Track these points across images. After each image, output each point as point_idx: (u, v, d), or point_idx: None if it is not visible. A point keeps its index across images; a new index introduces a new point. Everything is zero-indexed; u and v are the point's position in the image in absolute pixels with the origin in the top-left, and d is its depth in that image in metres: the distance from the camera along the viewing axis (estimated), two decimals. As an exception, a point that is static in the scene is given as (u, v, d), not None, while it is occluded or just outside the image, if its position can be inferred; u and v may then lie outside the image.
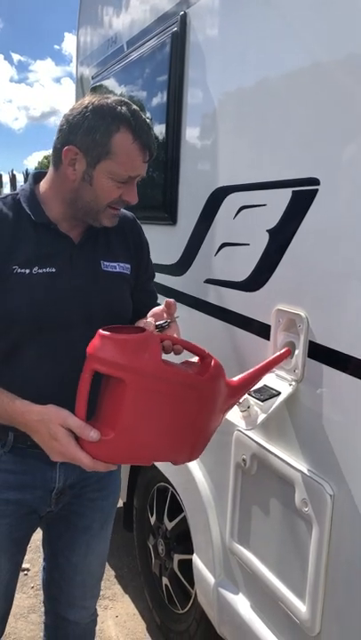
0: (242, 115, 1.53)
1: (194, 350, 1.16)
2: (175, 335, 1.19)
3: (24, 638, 2.21)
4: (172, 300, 1.22)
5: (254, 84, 1.47)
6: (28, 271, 1.22)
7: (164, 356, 1.11)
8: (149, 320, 1.20)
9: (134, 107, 1.21)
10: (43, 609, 1.65)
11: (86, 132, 1.19)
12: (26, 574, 2.60)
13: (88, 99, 1.22)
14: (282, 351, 1.31)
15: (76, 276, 1.27)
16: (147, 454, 1.12)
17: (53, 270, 1.24)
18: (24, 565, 2.58)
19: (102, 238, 1.35)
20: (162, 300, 1.52)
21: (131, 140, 1.18)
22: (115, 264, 1.35)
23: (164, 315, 1.23)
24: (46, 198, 1.29)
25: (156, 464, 2.05)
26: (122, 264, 1.37)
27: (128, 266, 1.38)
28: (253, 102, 1.47)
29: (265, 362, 1.29)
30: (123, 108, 1.19)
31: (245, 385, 1.24)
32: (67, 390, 1.11)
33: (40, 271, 1.23)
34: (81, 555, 1.48)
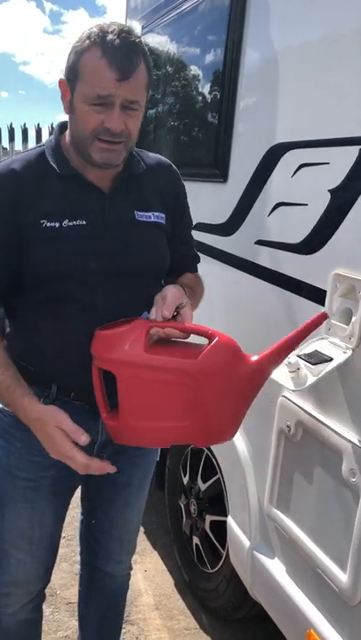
0: (306, 68, 1.44)
1: (194, 331, 1.15)
2: (185, 321, 1.18)
3: (56, 585, 2.27)
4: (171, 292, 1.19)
5: (321, 36, 1.39)
6: (57, 224, 1.19)
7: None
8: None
9: (117, 27, 1.11)
10: (76, 558, 1.68)
11: (67, 60, 1.15)
12: (57, 524, 2.66)
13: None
14: (314, 317, 1.19)
15: (109, 228, 1.23)
16: (159, 438, 1.19)
17: (84, 223, 1.21)
18: (56, 516, 2.65)
19: (134, 187, 1.29)
20: (203, 259, 1.49)
21: (98, 57, 1.09)
22: (149, 214, 1.30)
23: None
24: (68, 148, 1.24)
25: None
26: (156, 213, 1.31)
27: (163, 215, 1.32)
28: (320, 55, 1.39)
29: (295, 332, 1.18)
30: (96, 28, 1.11)
31: (271, 361, 1.17)
32: None
33: (70, 224, 1.19)
34: (119, 509, 1.50)
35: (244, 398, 1.18)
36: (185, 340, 1.19)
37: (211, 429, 1.16)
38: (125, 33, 1.11)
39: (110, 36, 1.09)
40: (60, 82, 1.18)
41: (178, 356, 1.13)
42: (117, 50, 1.09)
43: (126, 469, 1.45)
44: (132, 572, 1.97)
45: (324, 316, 1.21)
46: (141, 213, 1.28)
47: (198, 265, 1.50)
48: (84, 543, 1.62)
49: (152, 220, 1.30)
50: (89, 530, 1.57)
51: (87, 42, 1.11)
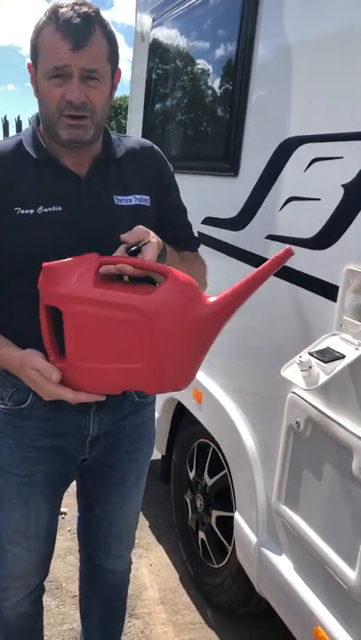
0: (320, 61, 1.43)
1: (148, 267, 1.07)
2: (148, 259, 1.09)
3: (61, 578, 2.28)
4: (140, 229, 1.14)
5: (335, 28, 1.37)
6: (32, 211, 1.18)
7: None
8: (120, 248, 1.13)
9: (72, 0, 1.12)
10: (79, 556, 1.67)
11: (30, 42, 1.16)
12: (63, 518, 2.66)
13: None
14: (279, 253, 1.08)
15: (87, 214, 1.21)
16: (109, 382, 1.10)
17: (60, 209, 1.19)
18: (62, 509, 2.64)
19: (114, 171, 1.27)
20: (211, 254, 1.47)
21: (53, 31, 1.10)
22: (130, 197, 1.26)
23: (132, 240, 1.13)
24: (43, 135, 1.23)
25: (201, 420, 2.04)
26: (138, 196, 1.27)
27: (147, 197, 1.29)
28: (333, 48, 1.37)
29: (256, 270, 1.09)
30: (50, 5, 1.13)
31: (231, 302, 1.08)
32: None
33: (46, 210, 1.18)
34: (117, 506, 1.49)
35: (200, 343, 1.09)
36: (141, 283, 1.12)
37: (164, 375, 1.09)
38: (78, 5, 1.12)
39: (63, 9, 1.11)
40: (28, 65, 1.18)
41: (130, 292, 1.06)
42: (70, 20, 1.10)
43: (122, 465, 1.44)
44: (137, 567, 1.98)
45: (288, 252, 1.08)
46: (121, 197, 1.26)
47: (208, 259, 1.48)
48: (82, 540, 1.61)
49: (133, 203, 1.27)
50: (87, 527, 1.56)
51: (43, 19, 1.13)
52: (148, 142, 1.37)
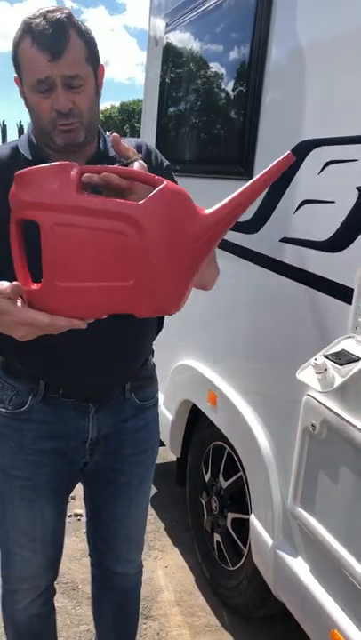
0: (334, 63, 1.43)
1: (136, 176, 0.98)
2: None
3: (77, 579, 2.29)
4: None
5: (349, 30, 1.37)
6: None
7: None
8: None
9: (44, 9, 1.12)
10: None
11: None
12: (79, 519, 2.67)
13: None
14: (279, 160, 0.95)
15: None
16: (92, 303, 0.97)
17: None
18: (78, 511, 2.66)
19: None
20: (225, 257, 1.47)
21: (30, 45, 1.11)
22: None
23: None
24: (38, 140, 1.25)
25: (216, 423, 2.05)
26: None
27: None
28: (348, 50, 1.37)
29: (256, 179, 0.96)
30: (26, 17, 1.13)
31: (228, 213, 0.95)
32: (88, 332, 1.03)
33: None
34: (124, 509, 1.49)
35: (193, 259, 0.98)
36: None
37: (157, 294, 0.97)
38: (51, 12, 1.12)
39: (36, 21, 1.11)
40: (15, 79, 1.19)
41: (110, 200, 0.94)
42: (44, 32, 1.10)
43: (125, 469, 1.44)
44: (153, 569, 1.97)
45: (289, 158, 0.96)
46: None
47: (222, 262, 1.47)
48: (91, 544, 1.61)
49: None
50: (95, 531, 1.56)
51: (19, 33, 1.13)
52: (141, 140, 1.38)
